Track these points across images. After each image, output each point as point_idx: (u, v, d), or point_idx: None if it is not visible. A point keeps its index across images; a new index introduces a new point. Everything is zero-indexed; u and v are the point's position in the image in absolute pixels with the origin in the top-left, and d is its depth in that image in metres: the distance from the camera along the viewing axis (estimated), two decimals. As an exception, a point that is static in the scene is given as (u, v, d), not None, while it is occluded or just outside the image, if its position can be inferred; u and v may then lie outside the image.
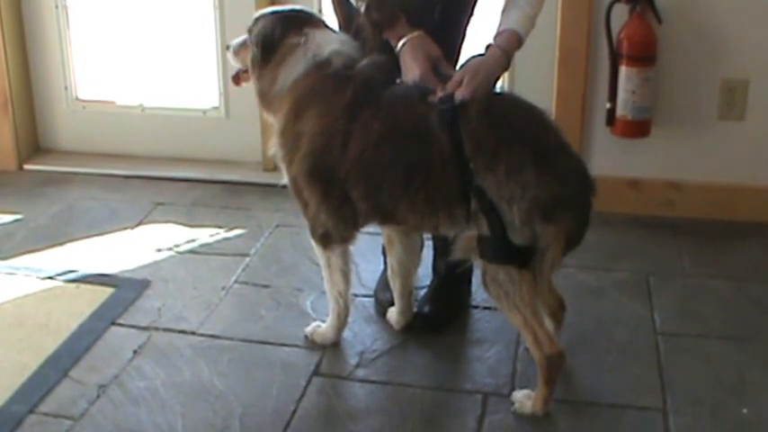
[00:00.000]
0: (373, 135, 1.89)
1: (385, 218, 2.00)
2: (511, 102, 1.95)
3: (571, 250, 1.86)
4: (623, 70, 2.68)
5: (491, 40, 1.99)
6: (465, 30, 2.15)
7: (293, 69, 1.99)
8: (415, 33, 1.97)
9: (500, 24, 2.01)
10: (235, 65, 2.19)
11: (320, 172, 1.95)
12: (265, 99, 2.06)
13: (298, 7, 2.14)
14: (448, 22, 2.07)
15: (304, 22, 2.04)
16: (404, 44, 1.96)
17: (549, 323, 2.02)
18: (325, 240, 2.06)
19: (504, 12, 2.03)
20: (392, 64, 1.97)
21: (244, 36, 2.13)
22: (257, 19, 2.08)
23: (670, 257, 2.61)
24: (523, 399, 1.93)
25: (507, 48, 1.97)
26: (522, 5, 2.01)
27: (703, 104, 2.77)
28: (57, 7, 3.20)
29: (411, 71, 1.94)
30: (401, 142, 1.88)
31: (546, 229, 1.78)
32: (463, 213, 1.85)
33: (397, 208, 1.92)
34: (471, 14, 2.14)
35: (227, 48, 2.19)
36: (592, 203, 1.86)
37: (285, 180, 2.07)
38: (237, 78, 2.19)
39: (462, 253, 1.91)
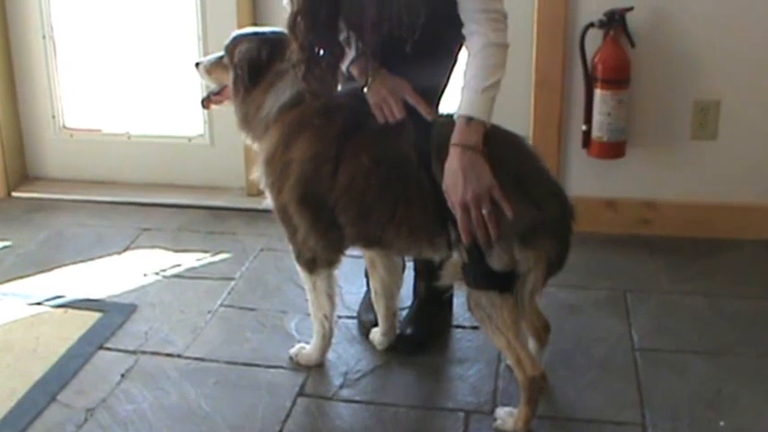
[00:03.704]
0: (362, 164, 1.90)
1: (372, 242, 2.02)
2: (488, 131, 1.90)
3: (553, 275, 1.87)
4: (598, 93, 2.72)
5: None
6: (450, 74, 2.08)
7: (281, 96, 1.98)
8: (381, 72, 1.93)
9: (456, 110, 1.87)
10: (206, 82, 2.16)
11: (311, 198, 1.95)
12: (249, 124, 2.05)
13: (278, 29, 2.04)
14: (426, 62, 1.98)
15: (289, 46, 1.99)
16: (372, 81, 1.94)
17: (533, 344, 2.04)
18: (311, 265, 2.07)
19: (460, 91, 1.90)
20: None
21: (217, 54, 2.10)
22: (237, 39, 2.05)
23: (647, 275, 2.64)
24: (506, 416, 1.95)
25: (466, 142, 1.81)
26: (471, 84, 1.85)
27: (677, 125, 2.81)
28: (44, 37, 3.24)
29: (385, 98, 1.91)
30: (387, 172, 1.89)
31: (525, 255, 1.80)
32: (443, 242, 1.88)
33: (384, 234, 1.94)
34: (455, 62, 2.05)
35: (197, 65, 2.15)
36: (572, 228, 1.86)
37: (268, 205, 2.07)
38: (208, 102, 2.16)
39: (449, 279, 1.92)
